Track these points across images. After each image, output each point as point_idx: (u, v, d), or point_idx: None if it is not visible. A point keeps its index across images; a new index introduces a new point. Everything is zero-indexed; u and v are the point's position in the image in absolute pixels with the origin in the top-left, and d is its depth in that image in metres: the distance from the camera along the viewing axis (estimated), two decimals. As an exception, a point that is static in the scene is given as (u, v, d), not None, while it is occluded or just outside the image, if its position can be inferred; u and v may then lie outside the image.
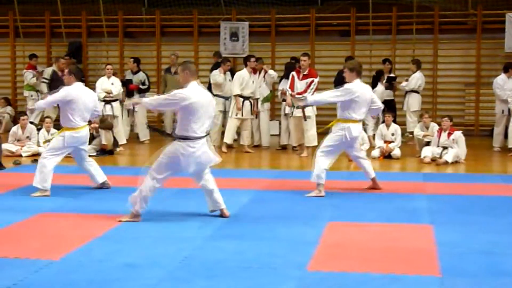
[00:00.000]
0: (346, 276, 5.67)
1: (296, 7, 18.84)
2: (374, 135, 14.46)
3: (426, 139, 13.42)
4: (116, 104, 14.88)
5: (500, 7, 17.45)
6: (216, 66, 15.60)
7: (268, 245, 6.66)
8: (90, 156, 10.43)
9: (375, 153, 13.44)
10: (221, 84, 14.91)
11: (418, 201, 9.05)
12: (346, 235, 7.22)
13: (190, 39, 19.08)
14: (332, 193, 9.44)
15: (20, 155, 13.55)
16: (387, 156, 13.43)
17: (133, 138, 16.30)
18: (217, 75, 14.93)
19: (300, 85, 13.29)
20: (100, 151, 13.69)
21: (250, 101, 14.41)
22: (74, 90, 9.47)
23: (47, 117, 14.79)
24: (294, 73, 13.50)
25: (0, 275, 5.63)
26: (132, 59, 16.30)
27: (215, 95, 14.70)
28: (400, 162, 13.21)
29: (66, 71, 9.82)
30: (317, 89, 13.15)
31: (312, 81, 13.26)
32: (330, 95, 9.70)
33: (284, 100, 14.02)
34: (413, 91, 15.89)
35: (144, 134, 16.06)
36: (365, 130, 14.63)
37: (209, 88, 15.37)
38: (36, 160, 12.93)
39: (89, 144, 12.19)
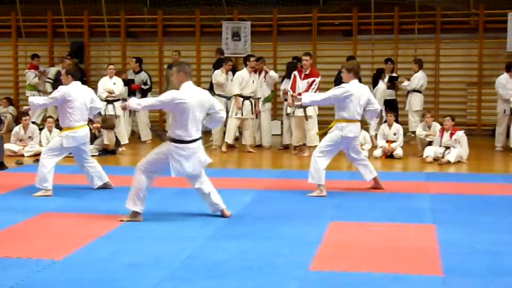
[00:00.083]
0: (348, 276, 5.67)
1: (298, 7, 18.83)
2: (376, 134, 14.45)
3: (428, 139, 13.42)
4: (118, 104, 14.87)
5: (502, 7, 17.43)
6: (218, 63, 15.59)
7: (270, 245, 6.66)
8: (92, 156, 10.43)
9: (377, 152, 13.43)
10: (223, 84, 14.90)
11: (420, 201, 9.04)
12: (348, 235, 7.22)
13: (192, 39, 19.08)
14: (334, 192, 9.44)
15: (22, 155, 13.56)
16: (389, 155, 13.42)
17: (135, 138, 16.31)
18: (218, 75, 14.92)
19: (302, 84, 13.29)
20: (102, 151, 13.70)
21: (250, 101, 14.40)
22: (71, 90, 9.44)
23: (49, 117, 14.80)
24: (296, 72, 13.51)
25: (3, 275, 5.64)
26: (134, 59, 16.32)
27: (217, 95, 14.72)
28: (402, 161, 13.20)
29: (63, 71, 9.80)
30: (319, 89, 13.16)
31: (314, 81, 13.26)
32: (325, 95, 9.70)
33: (285, 100, 14.02)
34: (415, 90, 15.89)
35: (145, 134, 16.06)
36: (367, 130, 14.65)
37: (211, 88, 15.38)
38: (38, 160, 12.96)
39: (91, 144, 12.20)
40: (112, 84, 14.94)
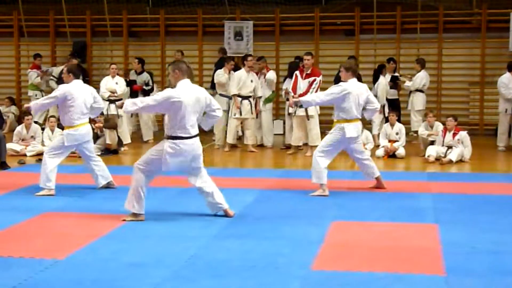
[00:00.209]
0: (351, 276, 5.67)
1: (300, 7, 18.83)
2: (379, 134, 14.45)
3: (430, 138, 13.41)
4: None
5: (505, 6, 17.41)
6: (220, 62, 15.59)
7: (272, 245, 6.66)
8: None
9: (380, 152, 13.43)
10: (225, 84, 14.90)
11: (422, 200, 9.04)
12: (351, 235, 7.22)
13: (195, 39, 19.09)
14: (336, 192, 9.44)
15: (25, 155, 13.58)
16: (391, 155, 13.42)
17: (137, 137, 16.32)
18: (220, 75, 14.92)
19: (303, 84, 13.31)
20: (104, 151, 13.71)
21: (249, 101, 14.38)
22: (72, 88, 9.45)
23: (52, 116, 14.81)
24: (297, 72, 13.52)
25: (5, 275, 5.65)
26: (136, 60, 16.31)
27: (219, 94, 14.73)
28: (405, 161, 13.20)
29: (64, 69, 9.81)
30: (321, 88, 13.16)
31: (314, 80, 13.27)
32: (322, 94, 9.71)
33: (287, 99, 14.01)
34: (417, 90, 15.91)
35: (147, 133, 16.06)
36: (370, 129, 14.65)
37: (213, 87, 15.40)
38: (40, 160, 12.98)
39: (94, 143, 12.21)
40: (114, 83, 14.94)
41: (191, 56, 18.34)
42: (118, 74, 15.21)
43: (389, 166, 12.45)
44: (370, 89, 11.08)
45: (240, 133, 15.14)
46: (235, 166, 12.84)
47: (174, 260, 6.07)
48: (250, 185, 10.19)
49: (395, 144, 13.51)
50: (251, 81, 14.37)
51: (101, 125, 13.60)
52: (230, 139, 14.51)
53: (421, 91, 15.95)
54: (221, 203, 7.88)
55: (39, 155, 13.43)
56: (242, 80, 14.27)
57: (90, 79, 18.62)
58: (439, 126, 13.54)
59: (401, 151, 13.45)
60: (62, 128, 13.16)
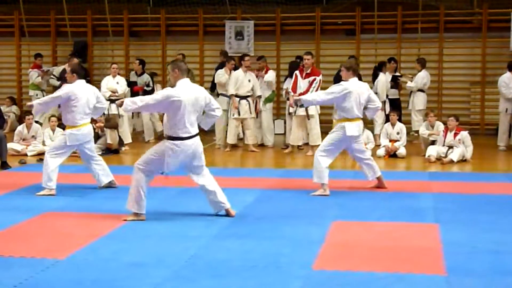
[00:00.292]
0: (352, 275, 5.67)
1: (301, 6, 18.83)
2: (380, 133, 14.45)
3: (431, 138, 13.41)
4: (121, 103, 14.86)
5: (506, 6, 17.40)
6: (222, 65, 15.60)
7: (273, 244, 6.66)
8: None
9: (381, 152, 13.43)
10: (225, 84, 14.89)
11: (423, 200, 9.04)
12: (352, 234, 7.21)
13: (195, 38, 19.09)
14: (337, 192, 9.44)
15: (26, 154, 13.59)
16: (392, 155, 13.42)
17: (138, 137, 16.33)
18: (220, 75, 14.91)
19: (303, 84, 13.31)
20: (105, 150, 13.71)
21: (247, 100, 14.36)
22: (75, 88, 9.46)
23: (52, 116, 14.82)
24: (297, 72, 13.52)
25: (6, 274, 5.65)
26: (137, 61, 16.30)
27: (219, 94, 14.73)
28: (406, 161, 13.20)
29: (68, 69, 9.81)
30: (321, 88, 13.16)
31: (314, 79, 13.28)
32: (323, 93, 9.71)
33: (288, 99, 14.00)
34: (418, 90, 15.90)
35: (149, 133, 16.07)
36: (371, 129, 14.64)
37: (214, 87, 15.39)
38: (41, 159, 12.97)
39: (95, 143, 12.20)
40: (115, 83, 14.94)
41: (192, 56, 18.34)
42: (119, 74, 15.21)
43: (390, 165, 12.45)
44: (370, 87, 11.07)
45: (241, 135, 15.12)
46: (236, 166, 12.85)
47: (175, 260, 6.07)
48: (250, 185, 10.19)
49: (396, 144, 13.50)
50: (249, 80, 14.35)
51: (102, 124, 13.60)
52: (230, 139, 14.50)
53: (422, 90, 15.95)
54: (223, 202, 7.89)
55: (40, 155, 13.44)
56: (240, 80, 14.26)
57: (91, 78, 18.61)
58: (440, 125, 13.53)
59: (402, 151, 13.44)
60: (63, 128, 13.15)
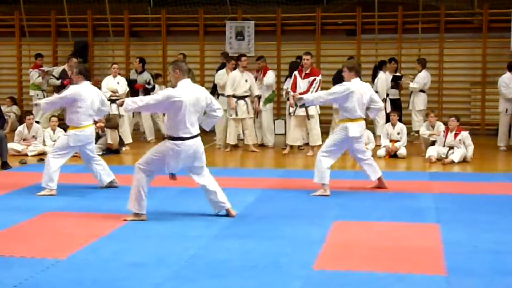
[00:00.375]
0: (352, 275, 5.67)
1: (301, 6, 18.83)
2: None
3: (432, 138, 13.40)
4: (121, 103, 14.85)
5: (506, 6, 17.39)
6: (223, 67, 15.59)
7: (273, 244, 6.66)
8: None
9: (381, 152, 13.42)
10: (224, 85, 14.87)
11: (424, 200, 9.04)
12: (352, 234, 7.21)
13: (196, 38, 19.09)
14: (337, 192, 9.44)
15: (26, 154, 13.58)
16: (392, 155, 13.41)
17: (138, 137, 16.33)
18: (220, 76, 14.90)
19: (303, 84, 13.31)
20: (105, 150, 13.71)
21: (245, 101, 14.35)
22: (82, 89, 9.50)
23: (53, 115, 14.82)
24: (296, 72, 13.52)
25: (7, 274, 5.65)
26: (137, 59, 16.32)
27: (219, 95, 14.73)
28: (406, 161, 13.19)
29: (74, 70, 9.83)
30: (321, 88, 13.18)
31: (314, 80, 13.28)
32: (325, 93, 9.71)
33: (288, 99, 14.00)
34: (419, 90, 15.90)
35: (150, 133, 16.07)
36: (371, 129, 14.64)
37: (214, 87, 15.39)
38: (42, 160, 12.98)
39: (95, 143, 12.20)
40: (115, 83, 14.94)
41: (192, 56, 18.34)
42: (119, 74, 15.21)
43: (390, 166, 12.45)
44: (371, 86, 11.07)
45: (242, 135, 15.10)
46: (236, 166, 12.85)
47: (175, 260, 6.07)
48: (251, 185, 10.19)
49: (397, 144, 13.50)
50: (246, 80, 14.33)
51: (103, 124, 13.60)
52: (231, 140, 14.49)
53: (422, 91, 15.95)
54: (224, 202, 7.89)
55: (40, 155, 13.46)
56: (237, 81, 14.25)
57: (92, 79, 18.58)
58: (440, 126, 13.53)
59: (402, 151, 13.44)
60: (64, 129, 13.14)
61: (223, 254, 6.31)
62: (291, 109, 13.81)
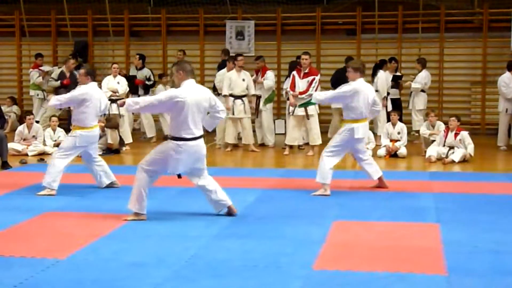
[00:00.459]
0: (352, 275, 5.67)
1: (302, 6, 18.82)
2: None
3: (432, 138, 13.40)
4: (122, 103, 14.85)
5: (507, 6, 17.39)
6: (223, 63, 15.57)
7: (274, 244, 6.66)
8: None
9: (381, 151, 13.42)
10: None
11: (424, 200, 9.04)
12: (352, 234, 7.21)
13: (196, 38, 19.09)
14: (338, 192, 9.44)
15: (26, 154, 13.57)
16: (393, 155, 13.41)
17: (139, 137, 16.32)
18: (220, 77, 14.89)
19: (302, 83, 13.31)
20: (106, 150, 13.71)
21: (242, 100, 14.33)
22: (90, 90, 9.55)
23: (53, 115, 14.81)
24: (294, 72, 13.52)
25: (7, 274, 5.65)
26: (138, 56, 16.37)
27: (219, 94, 14.71)
28: (406, 161, 13.19)
29: (82, 71, 9.85)
30: (321, 88, 13.19)
31: (314, 79, 13.29)
32: (334, 92, 9.73)
33: (288, 99, 13.99)
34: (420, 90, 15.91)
35: (150, 131, 16.06)
36: (371, 129, 14.64)
37: (214, 87, 15.38)
38: (42, 159, 12.99)
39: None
40: (116, 83, 14.93)
41: (192, 56, 18.33)
42: (119, 74, 15.22)
43: (390, 165, 12.44)
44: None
45: (241, 135, 15.11)
46: (236, 166, 12.84)
47: (175, 260, 6.07)
48: (251, 184, 10.19)
49: (397, 144, 13.50)
50: (243, 80, 14.33)
51: (103, 124, 13.59)
52: (229, 139, 14.47)
53: (422, 90, 15.95)
54: (225, 199, 7.89)
55: (40, 155, 13.46)
56: (233, 80, 14.25)
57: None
58: (440, 125, 13.53)
59: (402, 151, 13.44)
60: (65, 129, 13.16)
61: (223, 254, 6.31)
62: (291, 109, 13.81)
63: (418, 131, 15.05)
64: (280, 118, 17.61)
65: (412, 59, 17.37)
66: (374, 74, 15.76)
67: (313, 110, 13.47)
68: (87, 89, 9.55)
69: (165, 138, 14.98)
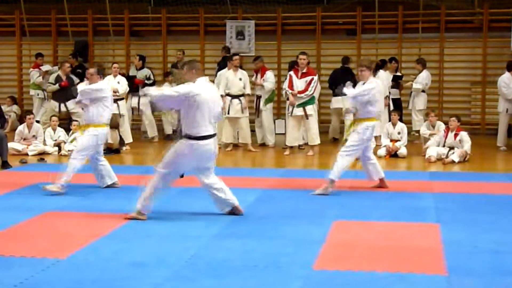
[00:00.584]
0: (352, 275, 5.67)
1: (302, 6, 18.81)
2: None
3: (432, 138, 13.40)
4: (122, 103, 14.87)
5: (507, 6, 17.39)
6: (223, 60, 15.55)
7: (274, 244, 6.66)
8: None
9: (381, 151, 13.42)
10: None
11: (424, 200, 9.04)
12: (352, 234, 7.21)
13: (196, 38, 19.08)
14: (338, 191, 9.43)
15: (26, 154, 13.57)
16: (393, 154, 13.41)
17: (139, 137, 16.32)
18: (220, 77, 14.90)
19: (299, 83, 13.31)
20: (106, 150, 13.63)
21: (239, 100, 14.32)
22: (105, 85, 9.62)
23: (54, 115, 14.81)
24: (291, 73, 13.52)
25: (7, 274, 5.65)
26: (138, 56, 16.36)
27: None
28: (406, 161, 13.19)
29: (93, 70, 9.84)
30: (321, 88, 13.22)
31: (312, 79, 13.30)
32: (361, 90, 9.55)
33: (288, 99, 13.98)
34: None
35: (152, 130, 16.05)
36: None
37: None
38: (42, 159, 13.00)
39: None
40: (116, 83, 14.92)
41: (193, 56, 18.30)
42: (120, 73, 15.21)
43: (390, 165, 12.44)
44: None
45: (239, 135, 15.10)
46: (236, 166, 12.84)
47: (175, 260, 6.08)
48: (251, 184, 10.19)
49: (397, 144, 13.50)
50: (240, 79, 14.33)
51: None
52: (226, 139, 14.44)
53: (422, 90, 15.95)
54: (232, 199, 7.90)
55: (40, 155, 13.46)
56: (230, 80, 14.26)
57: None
58: (441, 125, 13.53)
59: (402, 151, 13.44)
60: (65, 129, 13.18)
61: (223, 254, 6.32)
62: (290, 109, 13.80)
63: (418, 131, 15.05)
64: (280, 118, 17.60)
65: (412, 59, 17.36)
66: (374, 74, 15.74)
67: (311, 109, 13.47)
68: (103, 85, 9.60)
69: (167, 137, 15.02)
